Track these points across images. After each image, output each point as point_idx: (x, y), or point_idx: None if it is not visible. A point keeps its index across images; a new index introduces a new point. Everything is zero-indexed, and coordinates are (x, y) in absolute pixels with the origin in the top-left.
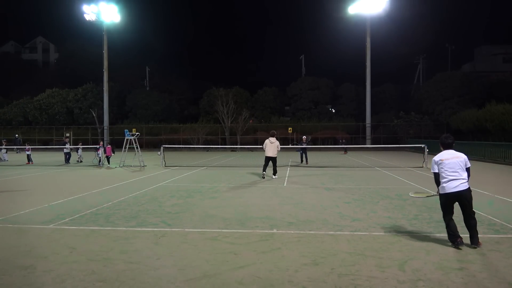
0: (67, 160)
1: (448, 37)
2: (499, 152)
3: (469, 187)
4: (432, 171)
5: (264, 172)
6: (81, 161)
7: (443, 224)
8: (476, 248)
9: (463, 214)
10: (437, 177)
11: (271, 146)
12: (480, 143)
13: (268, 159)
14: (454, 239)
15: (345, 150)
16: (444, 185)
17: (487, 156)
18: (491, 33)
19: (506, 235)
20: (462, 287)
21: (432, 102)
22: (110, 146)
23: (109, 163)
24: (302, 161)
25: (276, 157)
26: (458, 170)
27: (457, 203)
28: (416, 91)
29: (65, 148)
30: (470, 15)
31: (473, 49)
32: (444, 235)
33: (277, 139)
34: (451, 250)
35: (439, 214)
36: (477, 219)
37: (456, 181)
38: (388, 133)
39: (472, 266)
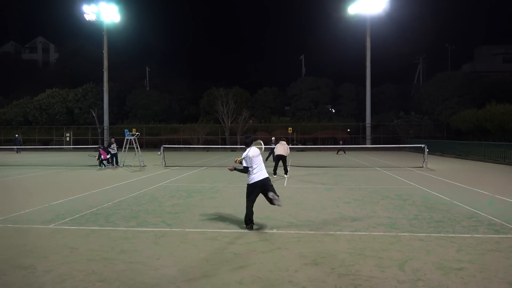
0: (115, 162)
1: (448, 37)
2: (499, 152)
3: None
4: (244, 165)
5: (274, 175)
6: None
7: (443, 224)
8: None
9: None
10: (246, 169)
11: (281, 145)
12: (480, 143)
13: (278, 158)
14: (249, 222)
15: (338, 151)
16: (253, 176)
17: (487, 156)
18: (491, 33)
19: (506, 235)
20: (462, 287)
21: (432, 102)
22: (102, 148)
23: (104, 165)
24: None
25: (286, 156)
26: (262, 163)
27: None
28: (416, 91)
29: (111, 149)
30: (470, 15)
31: (473, 49)
32: (444, 235)
33: (277, 140)
34: (451, 250)
35: (439, 214)
36: (477, 218)
37: (262, 172)
38: (388, 133)
39: (472, 266)
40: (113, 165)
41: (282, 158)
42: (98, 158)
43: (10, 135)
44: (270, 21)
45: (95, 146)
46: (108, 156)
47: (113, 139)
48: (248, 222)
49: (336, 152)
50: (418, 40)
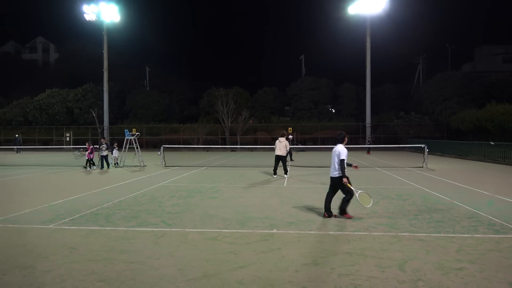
0: (103, 165)
1: (448, 37)
2: (499, 152)
3: (335, 176)
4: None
5: (274, 175)
6: (117, 163)
7: (443, 224)
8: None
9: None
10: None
11: (280, 145)
12: (480, 143)
13: (277, 158)
14: (343, 212)
15: (368, 150)
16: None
17: (487, 156)
18: (491, 33)
19: (506, 235)
20: (462, 287)
21: (432, 102)
22: (91, 146)
23: (90, 167)
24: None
25: (285, 156)
26: (332, 161)
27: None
28: (416, 91)
29: (102, 150)
30: (470, 15)
31: (473, 49)
32: (444, 235)
33: (273, 139)
34: (451, 250)
35: (439, 214)
36: (477, 218)
37: (331, 169)
38: (388, 133)
39: (472, 266)
40: (102, 167)
41: (281, 158)
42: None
43: (10, 135)
44: (270, 21)
45: (82, 146)
46: (92, 157)
47: (103, 140)
48: (342, 211)
49: (367, 152)
50: (418, 40)
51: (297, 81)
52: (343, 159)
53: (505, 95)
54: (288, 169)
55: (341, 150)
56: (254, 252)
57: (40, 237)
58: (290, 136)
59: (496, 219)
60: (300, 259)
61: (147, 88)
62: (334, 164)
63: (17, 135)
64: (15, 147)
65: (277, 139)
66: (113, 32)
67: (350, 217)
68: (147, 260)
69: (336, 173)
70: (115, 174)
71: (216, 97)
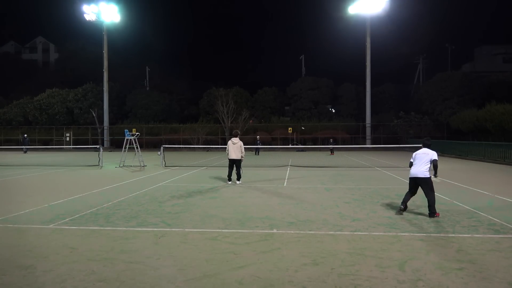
0: None
1: (448, 37)
2: (499, 152)
3: (426, 177)
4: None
5: (229, 181)
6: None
7: (443, 224)
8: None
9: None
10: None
11: (234, 147)
12: (480, 143)
13: (232, 162)
14: (399, 209)
15: (332, 151)
16: (410, 170)
17: (487, 156)
18: (491, 33)
19: (506, 235)
20: (462, 287)
21: (432, 102)
22: None
23: None
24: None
25: (240, 160)
26: (420, 163)
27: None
28: (416, 91)
29: None
30: (470, 15)
31: (473, 49)
32: (444, 235)
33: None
34: (451, 250)
35: (439, 214)
36: (477, 218)
37: (416, 169)
38: (388, 133)
39: (472, 266)
40: None
41: (235, 162)
42: None
43: (10, 135)
44: (270, 21)
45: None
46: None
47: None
48: (399, 208)
49: (331, 153)
50: (418, 40)
51: (297, 81)
52: (436, 159)
53: (505, 95)
54: (242, 174)
55: (433, 152)
56: (254, 252)
57: (40, 237)
58: (258, 137)
59: (496, 219)
60: (300, 259)
61: (147, 88)
62: (424, 166)
63: (25, 135)
64: (23, 147)
65: (230, 140)
66: (113, 32)
67: (438, 215)
68: (147, 260)
69: (427, 174)
70: (115, 174)
71: (216, 97)
